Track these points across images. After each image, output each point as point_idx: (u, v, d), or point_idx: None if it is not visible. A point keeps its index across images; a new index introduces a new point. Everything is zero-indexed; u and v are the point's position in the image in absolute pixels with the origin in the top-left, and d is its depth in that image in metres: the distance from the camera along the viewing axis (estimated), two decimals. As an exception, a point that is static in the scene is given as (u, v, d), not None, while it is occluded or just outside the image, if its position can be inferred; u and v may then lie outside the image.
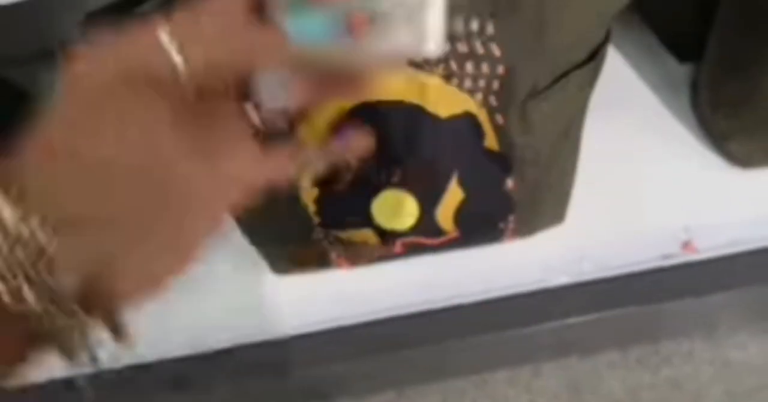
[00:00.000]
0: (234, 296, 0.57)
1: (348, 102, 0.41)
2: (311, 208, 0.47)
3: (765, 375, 0.60)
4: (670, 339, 0.61)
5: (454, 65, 0.40)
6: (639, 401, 0.61)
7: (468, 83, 0.41)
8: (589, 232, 0.54)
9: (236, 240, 0.53)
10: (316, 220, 0.48)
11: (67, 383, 0.55)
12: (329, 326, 0.55)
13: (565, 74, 0.42)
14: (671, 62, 0.60)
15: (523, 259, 0.54)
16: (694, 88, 0.57)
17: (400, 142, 0.43)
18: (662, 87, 0.59)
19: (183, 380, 0.58)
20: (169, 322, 0.57)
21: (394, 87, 0.41)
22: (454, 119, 0.43)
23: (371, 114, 0.42)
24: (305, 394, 0.62)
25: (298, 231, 0.50)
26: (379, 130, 0.42)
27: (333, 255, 0.53)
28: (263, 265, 0.56)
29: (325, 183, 0.44)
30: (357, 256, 0.53)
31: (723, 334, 0.61)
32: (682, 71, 0.59)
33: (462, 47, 0.39)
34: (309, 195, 0.46)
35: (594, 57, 0.43)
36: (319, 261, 0.54)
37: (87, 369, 0.21)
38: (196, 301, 0.56)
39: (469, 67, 0.40)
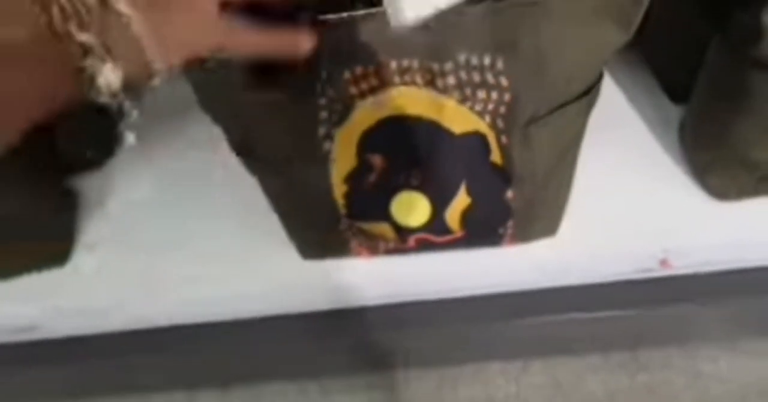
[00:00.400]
0: (264, 273, 0.65)
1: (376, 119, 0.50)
2: (340, 201, 0.55)
3: (731, 386, 0.66)
4: (648, 348, 0.68)
5: (468, 91, 0.48)
6: (615, 402, 0.68)
7: (479, 107, 0.49)
8: (580, 244, 0.61)
9: (271, 227, 0.62)
10: (343, 211, 0.56)
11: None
12: (344, 306, 0.63)
13: (562, 105, 0.50)
14: (666, 102, 0.68)
15: (520, 262, 0.62)
16: (682, 126, 0.64)
17: (419, 151, 0.52)
18: (656, 124, 0.67)
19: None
20: (204, 291, 0.65)
21: (417, 105, 0.49)
22: (466, 136, 0.51)
23: (397, 126, 0.50)
24: (318, 367, 0.70)
25: (326, 221, 0.58)
26: (402, 140, 0.51)
27: (354, 244, 0.62)
28: (292, 250, 0.65)
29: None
30: (375, 247, 0.62)
31: (697, 347, 0.68)
32: (675, 111, 0.66)
33: (476, 77, 0.48)
34: (339, 189, 0.54)
35: (589, 92, 0.51)
36: (342, 249, 0.63)
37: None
38: (231, 275, 0.65)
39: (480, 93, 0.48)
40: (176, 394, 0.74)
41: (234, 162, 0.56)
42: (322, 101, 0.49)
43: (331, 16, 0.45)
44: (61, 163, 0.75)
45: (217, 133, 0.54)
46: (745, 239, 0.60)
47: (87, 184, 0.77)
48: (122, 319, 0.66)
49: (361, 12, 0.45)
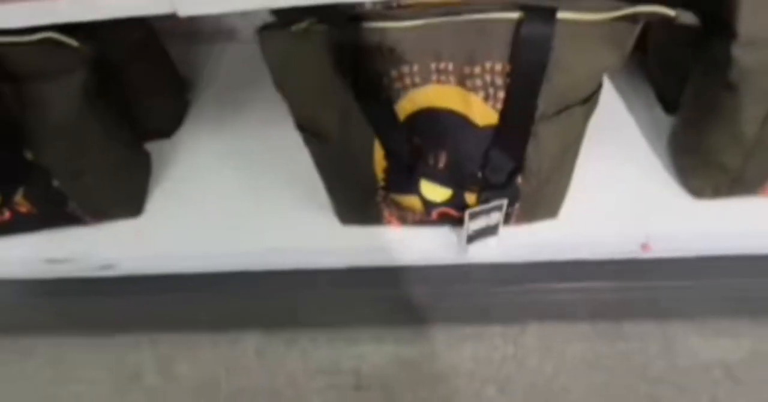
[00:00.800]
0: (306, 233, 0.78)
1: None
2: (380, 175, 0.67)
3: (698, 359, 0.77)
4: (628, 320, 0.80)
5: (491, 91, 0.60)
6: (596, 367, 0.79)
7: (500, 105, 0.61)
8: (576, 227, 0.73)
9: (316, 195, 0.75)
10: (381, 184, 0.68)
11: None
12: (374, 265, 0.75)
13: (566, 108, 0.62)
14: (660, 113, 0.79)
15: (525, 239, 0.74)
16: (672, 134, 0.76)
17: (449, 136, 0.63)
18: (650, 130, 0.79)
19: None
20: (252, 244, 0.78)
21: (449, 100, 0.61)
22: (487, 128, 0.63)
23: (432, 115, 0.62)
24: (347, 318, 0.83)
25: (366, 191, 0.70)
26: (436, 127, 0.63)
27: (386, 214, 0.74)
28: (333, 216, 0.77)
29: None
30: (404, 217, 0.74)
31: (671, 322, 0.79)
32: (667, 120, 0.78)
33: (498, 80, 0.59)
34: (380, 165, 0.66)
35: (589, 99, 0.62)
36: (376, 217, 0.75)
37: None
38: (278, 233, 0.77)
39: (501, 93, 0.60)
40: (222, 334, 0.87)
41: (287, 138, 0.68)
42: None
43: (384, 24, 0.57)
44: (136, 130, 0.87)
45: (276, 110, 0.65)
46: (716, 231, 0.71)
47: (158, 149, 0.89)
48: (181, 264, 0.79)
49: (411, 23, 0.57)
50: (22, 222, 0.79)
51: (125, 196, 0.82)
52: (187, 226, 0.80)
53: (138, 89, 0.84)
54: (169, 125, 0.92)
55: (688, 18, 0.53)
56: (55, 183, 0.73)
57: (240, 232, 0.78)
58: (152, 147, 0.89)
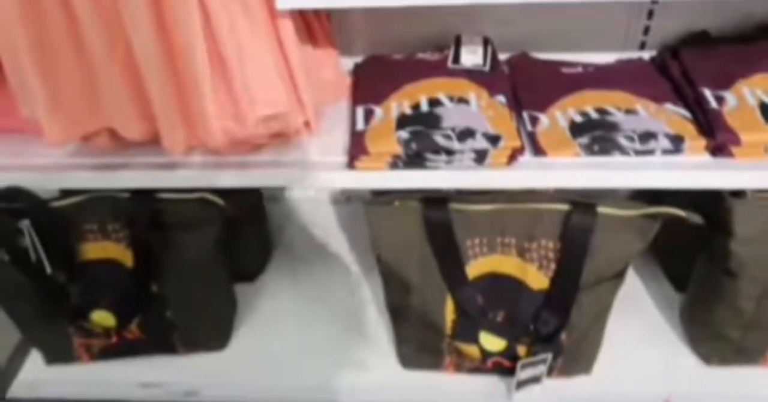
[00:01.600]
0: (371, 375, 0.90)
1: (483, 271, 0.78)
2: (449, 325, 0.81)
3: None
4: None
5: (545, 262, 0.77)
6: None
7: (551, 273, 0.77)
8: (606, 383, 0.86)
9: (380, 341, 0.88)
10: (448, 333, 0.82)
11: None
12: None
13: (602, 280, 0.78)
14: (671, 291, 0.97)
15: (564, 391, 0.86)
16: (682, 309, 0.92)
17: (508, 297, 0.79)
18: (665, 305, 0.95)
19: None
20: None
21: (510, 267, 0.77)
22: (540, 292, 0.79)
23: (496, 279, 0.78)
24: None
25: (434, 337, 0.84)
26: (498, 288, 0.78)
27: (447, 361, 0.86)
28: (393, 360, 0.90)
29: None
30: (461, 365, 0.86)
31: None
32: (677, 297, 0.95)
33: (551, 254, 0.76)
34: (450, 317, 0.81)
35: (619, 275, 0.79)
36: (436, 364, 0.87)
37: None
38: (345, 373, 0.89)
39: (552, 265, 0.77)
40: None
41: (353, 289, 0.82)
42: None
43: (462, 206, 0.75)
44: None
45: (343, 264, 0.79)
46: (726, 394, 0.84)
47: (243, 291, 1.04)
48: (256, 395, 0.89)
49: (484, 206, 0.75)
50: (125, 346, 0.90)
51: (217, 330, 0.95)
52: (263, 362, 0.92)
53: (238, 240, 1.01)
54: (253, 271, 1.07)
55: (695, 218, 0.71)
56: (168, 314, 0.87)
57: (309, 369, 0.90)
58: (238, 289, 1.03)
